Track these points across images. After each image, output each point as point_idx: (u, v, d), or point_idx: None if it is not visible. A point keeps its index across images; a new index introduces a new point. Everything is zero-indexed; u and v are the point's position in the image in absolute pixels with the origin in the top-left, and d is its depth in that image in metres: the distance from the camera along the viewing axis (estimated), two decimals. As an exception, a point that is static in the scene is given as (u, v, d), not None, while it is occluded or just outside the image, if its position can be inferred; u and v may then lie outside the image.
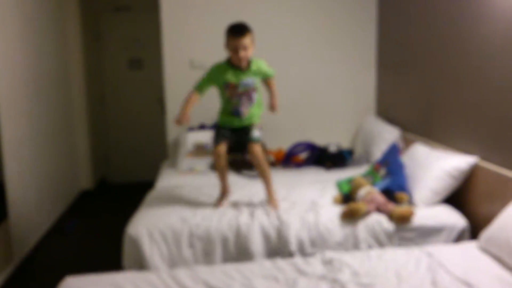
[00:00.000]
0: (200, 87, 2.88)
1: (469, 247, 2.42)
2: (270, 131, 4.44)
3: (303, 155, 4.29)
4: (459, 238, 2.75)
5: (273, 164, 4.16)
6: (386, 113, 4.44)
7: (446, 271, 2.16)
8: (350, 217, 2.77)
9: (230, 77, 2.83)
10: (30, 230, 3.85)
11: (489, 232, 2.35)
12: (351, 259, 2.34)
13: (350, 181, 3.27)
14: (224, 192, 3.09)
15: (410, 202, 2.98)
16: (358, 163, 4.14)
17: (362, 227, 2.75)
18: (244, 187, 3.42)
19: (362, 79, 4.65)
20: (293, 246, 2.68)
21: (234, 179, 3.62)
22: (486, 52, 2.78)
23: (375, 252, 2.41)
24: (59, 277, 2.33)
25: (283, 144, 4.50)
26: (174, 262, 2.67)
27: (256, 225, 2.73)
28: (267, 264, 2.33)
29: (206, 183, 3.58)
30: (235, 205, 3.02)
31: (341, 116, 4.70)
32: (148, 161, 5.74)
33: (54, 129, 4.59)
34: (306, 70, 4.58)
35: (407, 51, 3.91)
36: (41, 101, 4.24)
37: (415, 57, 3.75)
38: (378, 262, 2.30)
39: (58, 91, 4.79)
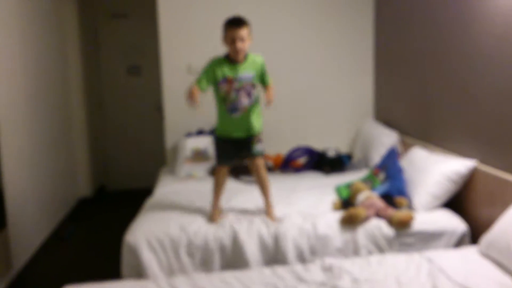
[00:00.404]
0: (199, 81, 2.82)
1: (470, 252, 2.41)
2: (269, 136, 4.41)
3: (301, 160, 4.28)
4: (460, 242, 2.74)
5: (271, 169, 4.15)
6: (384, 117, 4.43)
7: (446, 276, 2.15)
8: (350, 222, 2.75)
9: (227, 71, 2.82)
10: (29, 238, 3.83)
11: (489, 236, 2.34)
12: (351, 265, 2.33)
13: (349, 185, 3.26)
14: (217, 208, 3.00)
15: (410, 206, 2.97)
16: (357, 167, 4.13)
17: (362, 233, 2.74)
18: (242, 193, 3.41)
19: (360, 83, 4.65)
20: (291, 256, 2.66)
21: (233, 185, 3.61)
22: (484, 56, 2.78)
23: (375, 258, 2.40)
24: (58, 286, 2.33)
25: (282, 149, 4.49)
26: (172, 270, 2.66)
27: (254, 234, 2.72)
28: (266, 271, 2.31)
29: (205, 189, 3.56)
30: (234, 212, 3.01)
31: (339, 120, 4.70)
32: (146, 167, 5.72)
33: (53, 136, 4.59)
34: (304, 75, 4.57)
35: (404, 55, 3.91)
36: (40, 108, 4.23)
37: (413, 61, 3.75)
38: (378, 268, 2.28)
39: (57, 98, 4.78)
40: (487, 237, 2.35)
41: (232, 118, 2.88)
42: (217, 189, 2.99)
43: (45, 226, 4.24)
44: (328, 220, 2.82)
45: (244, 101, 2.85)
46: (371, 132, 4.28)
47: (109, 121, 6.02)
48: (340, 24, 4.55)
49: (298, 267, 2.34)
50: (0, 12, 3.46)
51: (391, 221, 2.75)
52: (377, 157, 3.92)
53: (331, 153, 4.23)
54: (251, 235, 2.71)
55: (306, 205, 3.09)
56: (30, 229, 3.86)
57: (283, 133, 4.60)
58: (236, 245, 2.69)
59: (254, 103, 2.90)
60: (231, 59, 2.83)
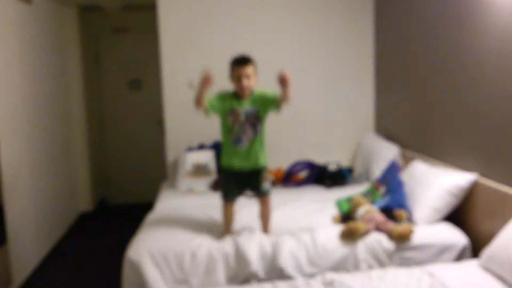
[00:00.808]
0: (208, 100, 2.83)
1: (471, 266, 2.40)
2: (270, 150, 4.41)
3: (302, 174, 4.28)
4: (461, 256, 2.73)
5: (273, 183, 4.15)
6: (385, 130, 4.44)
7: (447, 291, 2.14)
8: (349, 236, 2.75)
9: (235, 103, 2.88)
10: (29, 253, 3.82)
11: (490, 250, 2.33)
12: (352, 280, 2.31)
13: (349, 199, 3.26)
14: (230, 232, 3.01)
15: (410, 220, 2.96)
16: (358, 181, 4.13)
17: (362, 247, 2.73)
18: (245, 207, 3.39)
19: (360, 97, 4.66)
20: (290, 270, 2.66)
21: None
22: (484, 70, 2.80)
23: (376, 273, 2.39)
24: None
25: (283, 163, 4.49)
26: (176, 284, 2.65)
27: (256, 243, 2.73)
28: (268, 286, 2.30)
29: (206, 203, 3.56)
30: (237, 227, 3.01)
31: (340, 134, 4.70)
32: (147, 182, 5.72)
33: (54, 151, 4.60)
34: (305, 89, 4.59)
35: (404, 69, 3.93)
36: (41, 123, 4.25)
37: (413, 75, 3.77)
38: (379, 283, 2.27)
39: (58, 113, 4.80)
40: (488, 251, 2.34)
41: (237, 150, 2.91)
42: (228, 222, 2.99)
43: (45, 241, 4.23)
44: (328, 233, 2.81)
45: (249, 133, 2.90)
46: (372, 145, 4.29)
47: (109, 135, 6.04)
48: (341, 38, 4.58)
49: (300, 282, 2.33)
50: (0, 27, 3.50)
51: (391, 235, 2.74)
52: (378, 170, 3.93)
53: (332, 167, 4.23)
54: (253, 244, 2.72)
55: (307, 219, 3.09)
56: (30, 245, 3.85)
57: (284, 147, 4.60)
58: (238, 256, 2.69)
59: (259, 136, 2.94)
60: (238, 95, 2.89)
